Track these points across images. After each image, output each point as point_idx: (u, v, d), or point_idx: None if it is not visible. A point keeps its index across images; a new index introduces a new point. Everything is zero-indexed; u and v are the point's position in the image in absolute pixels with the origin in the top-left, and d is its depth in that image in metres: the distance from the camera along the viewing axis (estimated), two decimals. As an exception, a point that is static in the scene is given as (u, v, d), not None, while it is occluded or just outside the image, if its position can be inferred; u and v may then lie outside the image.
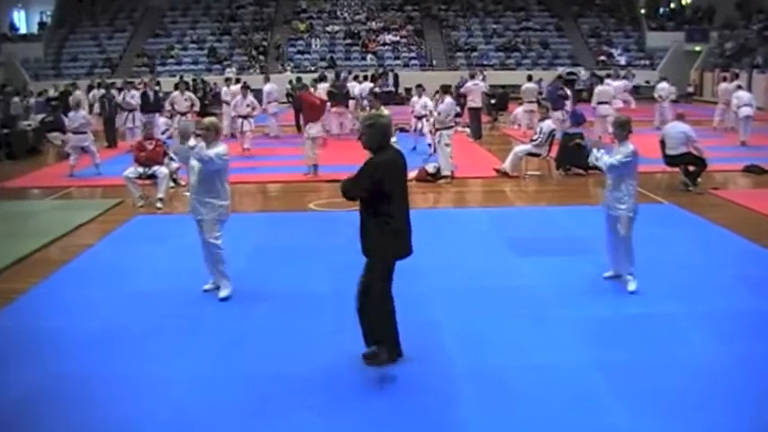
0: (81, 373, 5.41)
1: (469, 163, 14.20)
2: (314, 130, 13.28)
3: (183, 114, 16.82)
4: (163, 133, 14.34)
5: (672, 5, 37.95)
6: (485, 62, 33.34)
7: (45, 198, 12.18)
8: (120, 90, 19.69)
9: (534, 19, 37.07)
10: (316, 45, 35.39)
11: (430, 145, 14.99)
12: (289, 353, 5.70)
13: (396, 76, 31.25)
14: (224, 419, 4.71)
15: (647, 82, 32.06)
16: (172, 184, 11.82)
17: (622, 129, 7.06)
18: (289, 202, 11.76)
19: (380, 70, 29.67)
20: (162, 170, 11.19)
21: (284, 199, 12.14)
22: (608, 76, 22.49)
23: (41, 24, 36.76)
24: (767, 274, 7.53)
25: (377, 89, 20.58)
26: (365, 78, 22.88)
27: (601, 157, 6.99)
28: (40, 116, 19.64)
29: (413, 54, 34.82)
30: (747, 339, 5.88)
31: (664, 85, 21.14)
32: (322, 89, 19.33)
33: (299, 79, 23.70)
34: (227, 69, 31.42)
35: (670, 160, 11.91)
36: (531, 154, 13.22)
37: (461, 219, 10.19)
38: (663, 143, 11.91)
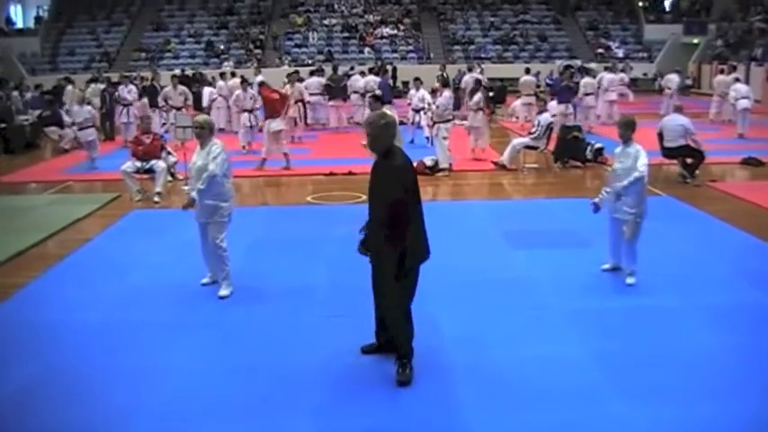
0: (80, 365, 5.42)
1: (467, 156, 14.17)
2: (274, 124, 13.11)
3: (179, 109, 16.74)
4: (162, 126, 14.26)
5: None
6: (482, 55, 33.32)
7: (43, 192, 12.17)
8: (116, 84, 19.54)
9: (532, 12, 37.06)
10: (313, 38, 35.33)
11: (428, 138, 14.98)
12: (286, 345, 5.71)
13: (394, 69, 31.21)
14: (221, 411, 4.72)
15: (645, 74, 32.08)
16: (169, 178, 11.82)
17: (627, 128, 6.88)
18: (286, 195, 11.76)
19: (378, 63, 29.60)
20: (159, 164, 11.17)
21: (282, 192, 12.13)
22: (606, 69, 22.46)
23: (38, 18, 36.70)
24: (766, 266, 7.55)
25: (378, 92, 20.31)
26: (370, 71, 22.65)
27: (616, 187, 6.77)
28: (38, 111, 19.56)
29: (410, 47, 34.78)
30: (746, 332, 5.89)
31: (673, 76, 21.20)
32: (314, 83, 19.25)
33: (295, 72, 23.57)
34: (225, 63, 31.37)
35: (668, 152, 11.90)
36: (528, 147, 13.21)
37: (459, 212, 10.19)
38: (661, 135, 11.90)
